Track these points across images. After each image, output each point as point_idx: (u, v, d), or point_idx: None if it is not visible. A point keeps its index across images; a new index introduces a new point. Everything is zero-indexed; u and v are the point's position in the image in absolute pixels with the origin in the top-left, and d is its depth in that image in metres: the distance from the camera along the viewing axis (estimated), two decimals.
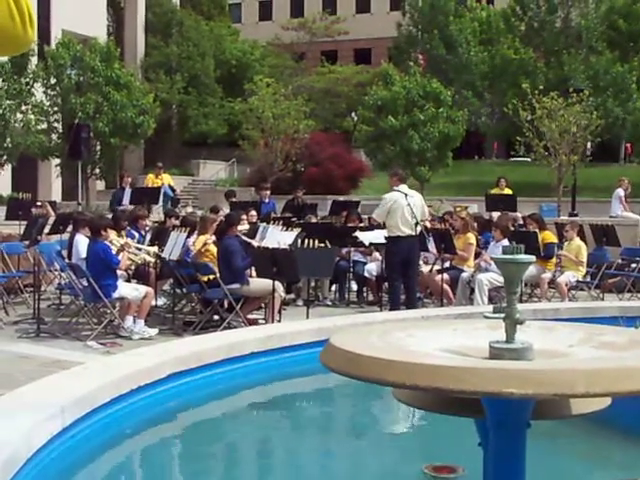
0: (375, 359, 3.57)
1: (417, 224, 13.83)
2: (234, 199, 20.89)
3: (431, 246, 15.04)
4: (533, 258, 4.18)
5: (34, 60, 33.88)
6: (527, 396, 3.32)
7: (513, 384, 3.29)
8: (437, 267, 15.12)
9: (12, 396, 5.96)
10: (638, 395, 3.45)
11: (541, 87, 32.45)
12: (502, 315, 4.05)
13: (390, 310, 13.67)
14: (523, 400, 3.58)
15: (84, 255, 12.59)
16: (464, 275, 14.81)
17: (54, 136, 33.43)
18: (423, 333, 4.34)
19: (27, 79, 32.87)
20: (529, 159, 36.64)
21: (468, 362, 3.62)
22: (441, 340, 4.19)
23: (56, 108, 33.31)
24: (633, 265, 17.28)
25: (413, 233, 13.75)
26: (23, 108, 33.02)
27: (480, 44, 53.85)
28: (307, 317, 12.34)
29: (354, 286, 16.65)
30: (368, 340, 3.97)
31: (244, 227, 14.51)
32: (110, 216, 15.63)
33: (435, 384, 3.37)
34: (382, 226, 14.51)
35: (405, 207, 13.65)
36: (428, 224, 15.75)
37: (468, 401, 4.05)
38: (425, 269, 15.37)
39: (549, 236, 15.91)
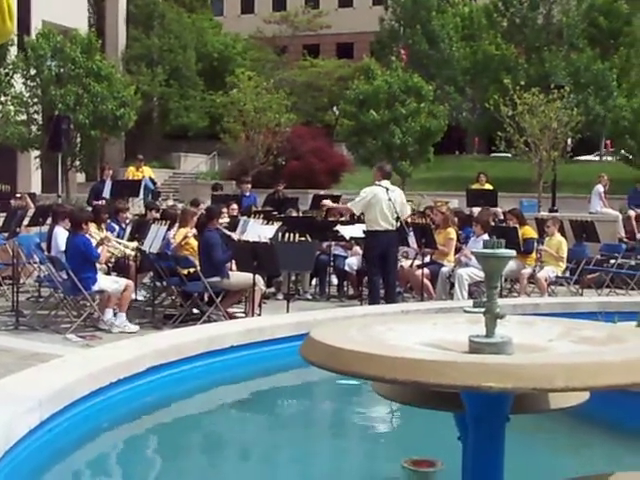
0: (355, 353, 3.57)
1: (398, 219, 13.82)
2: (220, 192, 20.90)
3: (412, 241, 15.06)
4: (513, 253, 4.19)
5: (13, 50, 33.64)
6: (506, 390, 3.33)
7: (492, 378, 3.30)
8: (417, 262, 15.14)
9: None
10: (616, 389, 3.47)
11: (522, 83, 32.52)
12: (482, 309, 4.06)
13: (369, 304, 13.66)
14: (502, 394, 3.60)
15: (63, 248, 12.53)
16: (444, 270, 14.83)
17: (34, 127, 33.18)
18: (403, 327, 4.35)
19: (6, 70, 32.66)
20: (509, 154, 36.71)
21: (448, 356, 3.62)
22: (421, 334, 4.20)
23: (36, 99, 33.06)
24: (612, 261, 17.35)
25: (391, 228, 13.73)
26: (2, 99, 32.80)
27: (462, 40, 53.95)
28: (287, 311, 12.35)
29: (335, 280, 16.65)
30: (348, 334, 3.97)
31: (224, 220, 14.49)
32: (90, 209, 15.59)
33: (415, 378, 3.37)
34: (362, 220, 14.51)
35: (385, 202, 13.62)
36: (409, 219, 15.76)
37: (447, 395, 4.06)
38: (405, 264, 15.38)
39: (529, 231, 15.98)
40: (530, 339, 4.14)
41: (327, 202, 16.38)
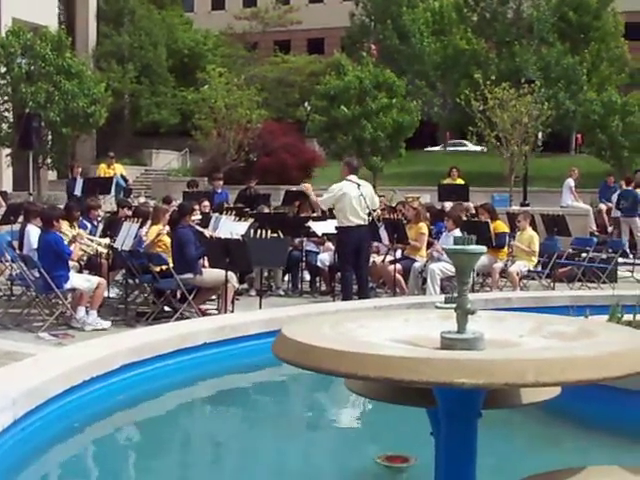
0: (327, 350, 3.58)
1: (370, 214, 13.84)
2: (193, 189, 20.90)
3: (383, 236, 15.07)
4: (484, 249, 4.21)
5: None
6: (478, 386, 3.35)
7: (464, 374, 3.32)
8: (390, 257, 15.17)
9: None
10: (586, 384, 3.50)
11: (493, 78, 32.64)
12: (453, 305, 4.08)
13: (342, 300, 13.67)
14: (474, 390, 3.62)
15: (35, 246, 12.48)
16: (416, 265, 14.86)
17: (4, 125, 33.00)
18: (375, 324, 4.37)
19: None
20: (479, 148, 36.88)
21: (420, 353, 3.64)
22: (393, 330, 4.22)
23: (6, 97, 32.89)
24: (583, 255, 17.43)
25: (363, 223, 13.72)
26: None
27: (433, 34, 54.07)
28: (260, 307, 12.35)
29: (307, 276, 16.67)
30: (320, 331, 3.98)
31: (196, 217, 14.46)
32: (62, 206, 15.52)
33: (387, 375, 3.39)
34: (334, 216, 14.51)
35: (355, 198, 13.58)
36: (379, 212, 15.78)
37: (420, 391, 4.08)
38: (377, 259, 15.40)
39: (501, 226, 16.02)
40: (501, 335, 4.17)
41: (307, 186, 15.99)
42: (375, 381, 3.62)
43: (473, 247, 4.02)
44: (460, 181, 23.39)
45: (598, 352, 3.57)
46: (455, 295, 4.14)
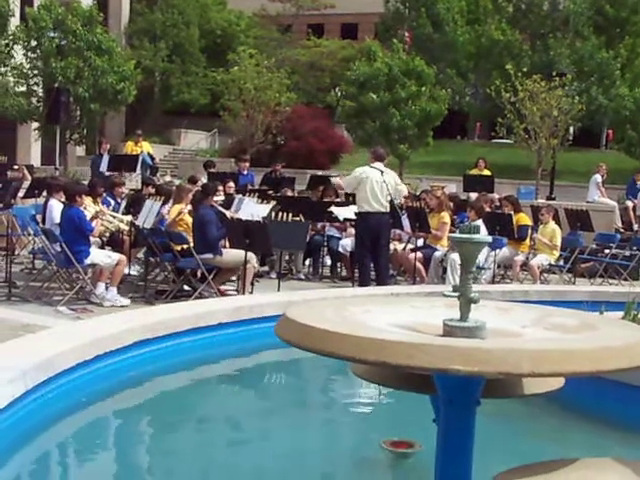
0: (327, 332, 3.60)
1: (391, 201, 13.86)
2: (213, 169, 20.92)
3: (405, 224, 15.09)
4: (489, 238, 4.24)
5: (14, 21, 33.57)
6: (473, 373, 3.37)
7: (459, 361, 3.34)
8: (411, 245, 15.18)
9: None
10: (582, 376, 3.52)
11: (525, 69, 32.47)
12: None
13: (359, 286, 13.70)
14: (472, 378, 3.64)
15: (58, 220, 12.58)
16: (437, 254, 14.86)
17: (33, 99, 33.14)
18: (380, 309, 4.39)
19: (7, 41, 32.58)
20: (510, 141, 36.69)
21: (416, 338, 3.67)
22: (397, 316, 4.24)
23: (36, 71, 32.99)
24: (606, 251, 17.37)
25: (383, 210, 13.74)
26: (2, 70, 32.73)
27: (467, 24, 53.72)
28: (278, 290, 12.40)
29: (328, 261, 16.70)
30: (322, 314, 4.00)
31: (219, 198, 14.52)
32: (86, 182, 15.63)
33: (384, 359, 3.42)
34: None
35: (377, 183, 13.61)
36: (402, 201, 15.80)
37: (423, 378, 4.10)
38: (398, 247, 15.42)
39: (523, 218, 16.01)
40: (505, 325, 4.19)
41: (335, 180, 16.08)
42: (373, 365, 3.65)
43: (478, 236, 4.04)
44: (487, 172, 23.36)
45: (595, 345, 3.58)
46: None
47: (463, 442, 4.02)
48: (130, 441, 6.52)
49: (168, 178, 24.07)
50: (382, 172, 13.72)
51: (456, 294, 4.12)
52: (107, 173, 20.13)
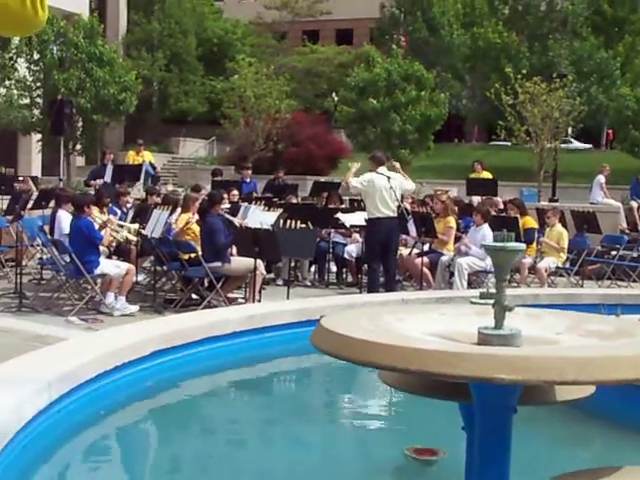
0: (367, 342, 3.61)
1: (399, 206, 13.88)
2: (220, 178, 20.93)
3: (412, 229, 15.09)
4: (523, 246, 4.23)
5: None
6: (516, 382, 3.37)
7: (503, 370, 3.34)
8: (417, 250, 15.17)
9: None
10: (625, 384, 3.51)
11: (524, 72, 32.48)
12: (489, 301, 4.10)
13: (368, 292, 13.69)
14: (511, 386, 3.64)
15: (67, 231, 12.59)
16: (444, 259, 14.85)
17: (36, 111, 33.27)
18: (412, 317, 4.39)
19: (10, 54, 32.67)
20: (509, 143, 36.71)
21: (459, 347, 3.66)
22: (430, 325, 4.24)
23: (39, 83, 33.15)
24: (613, 252, 17.34)
25: (392, 214, 13.74)
26: (6, 83, 32.82)
27: (463, 27, 53.78)
28: (287, 297, 12.40)
29: (333, 267, 16.70)
30: (358, 323, 4.01)
31: (225, 206, 14.52)
32: (93, 192, 15.64)
33: (426, 368, 3.42)
34: (363, 208, 14.52)
35: (385, 190, 13.62)
36: (409, 206, 15.79)
37: (455, 385, 4.10)
38: (404, 252, 15.41)
39: (530, 221, 16.02)
40: (538, 332, 4.18)
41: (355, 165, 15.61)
42: (414, 374, 3.64)
43: (513, 244, 4.04)
44: (486, 174, 23.29)
45: (637, 352, 3.58)
46: (490, 290, 4.16)
47: (500, 450, 4.01)
48: (151, 450, 6.55)
49: (171, 187, 24.08)
50: (389, 178, 13.72)
51: (486, 301, 4.12)
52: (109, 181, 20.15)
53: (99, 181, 19.86)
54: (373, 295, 12.63)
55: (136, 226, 13.83)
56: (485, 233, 14.07)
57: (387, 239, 13.76)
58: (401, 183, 14.14)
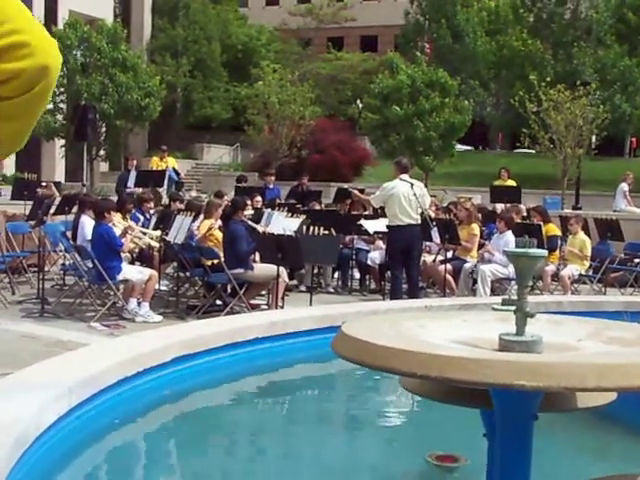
0: (389, 349, 3.59)
1: (422, 213, 13.85)
2: (243, 184, 20.95)
3: (435, 236, 15.07)
4: (545, 252, 4.21)
5: None
6: (538, 388, 3.35)
7: (524, 376, 3.32)
8: (440, 257, 15.14)
9: (20, 375, 6.00)
10: None
11: (548, 79, 32.42)
12: (511, 308, 4.08)
13: (391, 299, 13.66)
14: (532, 392, 3.62)
15: (90, 237, 12.62)
16: (467, 266, 14.81)
17: (59, 117, 33.47)
18: (433, 324, 4.37)
19: None
20: (533, 151, 36.63)
21: (480, 354, 3.65)
22: (452, 331, 4.22)
23: (62, 89, 33.33)
24: (636, 260, 17.26)
25: (414, 222, 13.72)
26: None
27: (487, 34, 53.72)
28: (310, 304, 12.38)
29: (357, 274, 16.69)
30: (380, 329, 3.99)
31: (248, 212, 14.53)
32: (115, 198, 15.69)
33: (447, 375, 3.40)
34: (385, 215, 14.50)
35: (406, 197, 13.59)
36: (432, 214, 15.75)
37: (476, 392, 4.08)
38: (428, 259, 15.38)
39: (553, 229, 15.96)
40: (559, 338, 4.16)
41: (355, 192, 16.28)
42: (435, 381, 3.63)
43: (535, 250, 4.02)
44: (511, 182, 23.24)
45: None
46: (513, 297, 4.14)
47: (521, 457, 3.99)
48: (172, 457, 6.54)
49: (194, 193, 24.14)
50: (412, 185, 13.70)
51: (508, 308, 4.10)
52: (130, 189, 20.22)
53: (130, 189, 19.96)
54: (396, 302, 12.58)
55: (158, 233, 13.86)
56: (508, 240, 14.02)
57: (409, 246, 13.74)
58: (424, 191, 14.12)
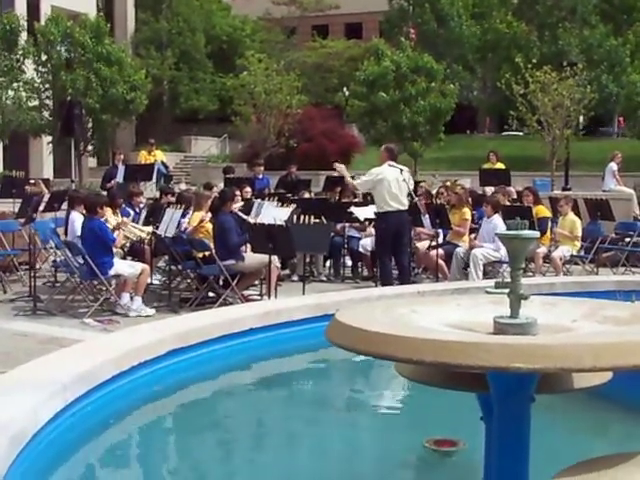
0: (382, 335, 3.58)
1: (412, 199, 13.83)
2: (231, 175, 20.88)
3: (426, 222, 15.06)
4: (537, 234, 4.21)
5: (24, 36, 33.68)
6: (534, 370, 3.35)
7: (520, 359, 3.32)
8: (432, 243, 15.12)
9: (15, 373, 5.98)
10: None
11: (534, 61, 32.40)
12: (505, 290, 4.07)
13: (382, 285, 13.62)
14: (528, 375, 3.61)
15: (80, 233, 12.58)
16: (459, 250, 14.80)
17: (45, 113, 33.33)
18: (427, 309, 4.37)
19: (17, 55, 32.71)
20: (521, 133, 36.64)
21: (476, 337, 3.64)
22: (445, 315, 4.22)
23: (47, 85, 33.21)
24: (627, 239, 17.28)
25: (403, 208, 13.67)
26: (14, 85, 32.88)
27: (472, 18, 53.66)
28: (303, 293, 12.38)
29: (349, 261, 16.67)
30: (373, 316, 3.99)
31: (238, 204, 14.48)
32: (105, 193, 15.64)
33: (442, 359, 3.40)
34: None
35: (397, 182, 13.54)
36: (422, 205, 15.73)
37: (471, 376, 4.08)
38: (420, 245, 15.37)
39: (543, 210, 15.94)
40: (554, 320, 4.16)
41: (341, 166, 15.45)
42: (430, 366, 3.63)
43: (527, 232, 4.02)
44: (500, 165, 23.20)
45: None
46: (506, 280, 4.14)
47: (519, 439, 3.99)
48: (170, 450, 6.53)
49: (183, 186, 24.06)
50: (401, 170, 13.67)
51: (501, 291, 4.10)
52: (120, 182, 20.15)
53: (114, 182, 19.90)
54: (389, 288, 12.55)
55: (150, 229, 13.82)
56: (496, 224, 14.03)
57: (398, 232, 13.67)
58: (410, 177, 14.11)
